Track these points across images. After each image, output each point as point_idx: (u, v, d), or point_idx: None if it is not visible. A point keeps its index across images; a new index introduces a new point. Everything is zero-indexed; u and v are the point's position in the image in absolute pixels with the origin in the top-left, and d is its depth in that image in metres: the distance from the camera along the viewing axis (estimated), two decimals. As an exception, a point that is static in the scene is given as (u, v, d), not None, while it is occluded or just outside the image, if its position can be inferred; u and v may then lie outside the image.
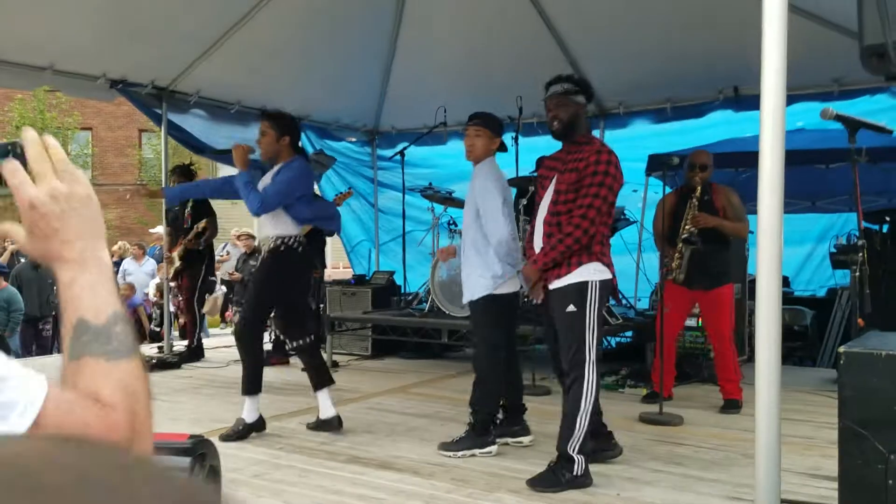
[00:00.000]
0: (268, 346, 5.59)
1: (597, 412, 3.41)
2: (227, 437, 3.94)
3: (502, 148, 3.94)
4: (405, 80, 7.14)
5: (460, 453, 3.69)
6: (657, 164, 6.02)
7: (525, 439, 3.94)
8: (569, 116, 3.36)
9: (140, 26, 5.52)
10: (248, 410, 4.03)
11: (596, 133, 6.97)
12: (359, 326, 6.87)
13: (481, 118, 3.82)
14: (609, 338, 6.60)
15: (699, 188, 4.60)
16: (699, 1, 5.36)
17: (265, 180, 4.09)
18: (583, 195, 3.25)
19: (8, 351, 6.33)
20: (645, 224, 6.46)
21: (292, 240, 4.08)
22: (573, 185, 3.30)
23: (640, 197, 6.71)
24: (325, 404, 4.13)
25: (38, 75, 5.75)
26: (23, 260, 8.53)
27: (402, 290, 7.17)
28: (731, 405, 4.61)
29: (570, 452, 3.21)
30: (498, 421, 3.90)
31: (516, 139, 5.57)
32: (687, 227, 4.59)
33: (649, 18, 5.71)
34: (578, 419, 3.23)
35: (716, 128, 6.54)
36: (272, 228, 4.06)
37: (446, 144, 7.65)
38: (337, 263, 16.80)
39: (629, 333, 6.53)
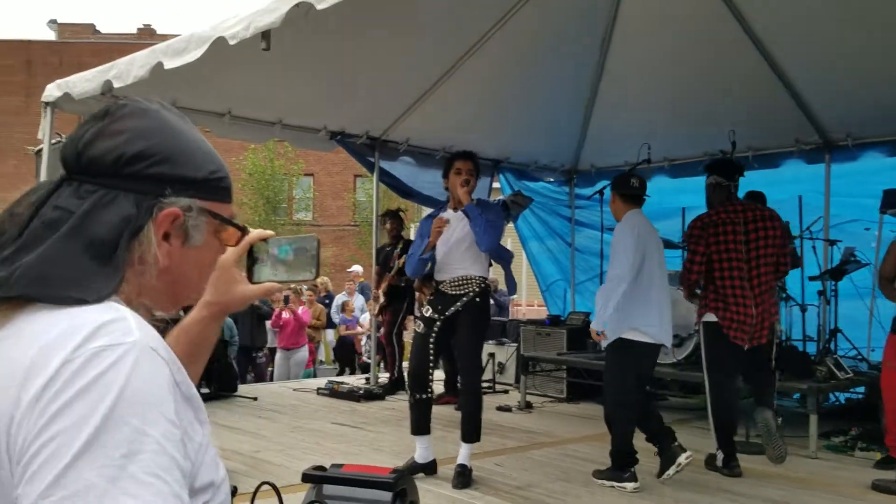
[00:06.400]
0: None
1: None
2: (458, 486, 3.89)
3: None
4: (606, 119, 7.04)
5: (599, 481, 4.00)
6: (894, 201, 5.36)
7: (682, 457, 3.88)
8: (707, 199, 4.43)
9: (357, 84, 6.00)
10: (464, 456, 4.02)
11: (820, 167, 6.41)
12: (553, 368, 6.77)
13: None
14: (838, 393, 5.93)
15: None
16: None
17: (447, 221, 4.12)
18: None
19: (236, 378, 7.03)
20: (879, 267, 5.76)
21: (488, 280, 4.18)
22: None
23: (874, 236, 5.99)
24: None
25: (269, 129, 6.45)
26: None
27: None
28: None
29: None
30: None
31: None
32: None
33: (880, 44, 5.13)
34: (711, 424, 4.25)
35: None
36: (479, 269, 4.11)
37: (649, 182, 7.38)
38: (532, 301, 16.81)
39: (861, 389, 5.79)
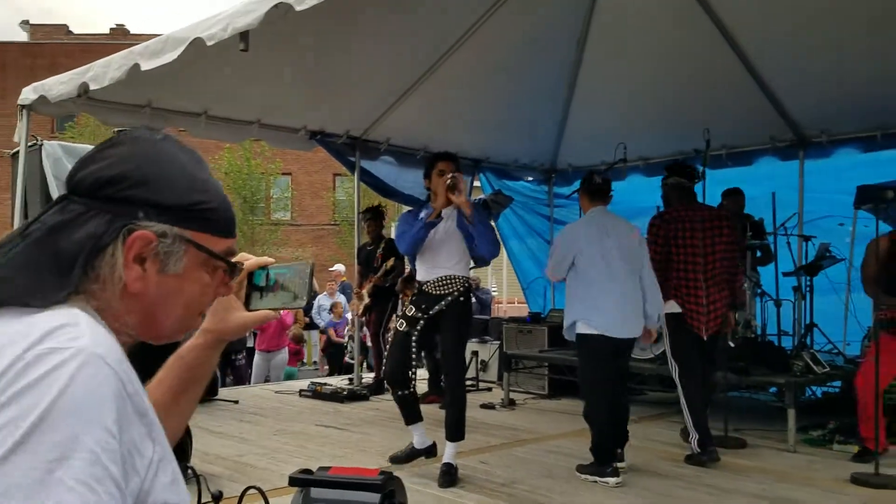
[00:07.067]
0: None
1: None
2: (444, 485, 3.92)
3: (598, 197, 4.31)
4: (584, 118, 7.10)
5: (583, 476, 4.06)
6: (868, 197, 5.46)
7: (612, 480, 3.94)
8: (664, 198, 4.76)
9: (337, 84, 5.97)
10: (450, 455, 4.05)
11: (794, 164, 6.52)
12: (535, 365, 6.82)
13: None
14: (815, 388, 6.03)
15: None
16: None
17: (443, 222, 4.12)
18: None
19: (216, 381, 6.98)
20: (854, 262, 5.86)
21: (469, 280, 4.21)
22: None
23: (848, 232, 6.10)
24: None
25: (246, 129, 6.38)
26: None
27: (581, 330, 7.01)
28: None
29: (688, 430, 4.42)
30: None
31: (703, 173, 5.33)
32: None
33: (852, 40, 5.22)
34: (684, 411, 4.51)
35: (937, 156, 5.83)
36: (462, 269, 4.13)
37: (625, 180, 7.46)
38: (512, 298, 16.91)
39: (837, 383, 5.90)
